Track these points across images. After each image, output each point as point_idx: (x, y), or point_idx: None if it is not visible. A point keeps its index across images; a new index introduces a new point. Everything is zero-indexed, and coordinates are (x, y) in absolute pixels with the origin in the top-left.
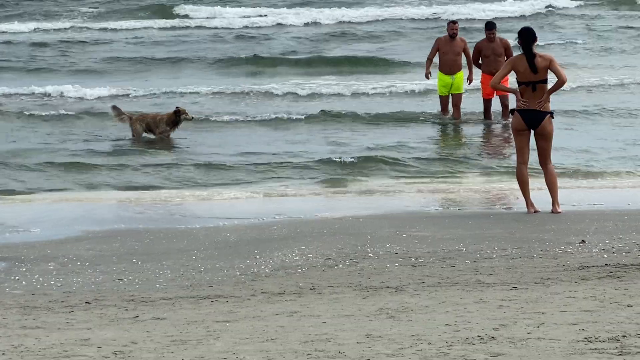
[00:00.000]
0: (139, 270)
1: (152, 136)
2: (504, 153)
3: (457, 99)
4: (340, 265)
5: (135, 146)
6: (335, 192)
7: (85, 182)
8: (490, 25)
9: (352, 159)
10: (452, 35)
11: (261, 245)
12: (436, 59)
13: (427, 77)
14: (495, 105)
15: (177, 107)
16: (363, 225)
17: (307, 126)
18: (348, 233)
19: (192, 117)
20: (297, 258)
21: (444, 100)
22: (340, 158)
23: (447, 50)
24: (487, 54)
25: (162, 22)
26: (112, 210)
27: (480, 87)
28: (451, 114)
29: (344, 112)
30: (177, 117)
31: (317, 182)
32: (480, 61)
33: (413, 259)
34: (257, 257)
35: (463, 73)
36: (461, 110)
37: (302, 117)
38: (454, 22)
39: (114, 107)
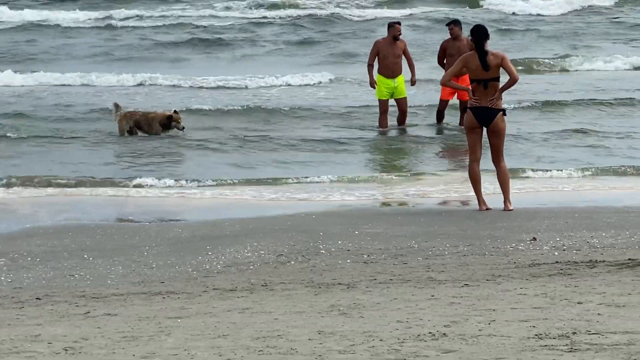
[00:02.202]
0: (91, 266)
1: (142, 134)
2: (456, 152)
3: (402, 103)
4: (293, 262)
5: (87, 140)
6: (288, 189)
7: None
8: (451, 22)
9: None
10: (396, 38)
11: (213, 241)
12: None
13: (373, 86)
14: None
15: (175, 110)
16: (315, 222)
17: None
18: (300, 230)
19: (183, 127)
20: (249, 255)
21: (384, 105)
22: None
23: (387, 53)
24: (452, 53)
25: None
26: (64, 205)
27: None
28: (396, 122)
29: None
30: (169, 121)
31: (271, 178)
32: (445, 61)
33: (365, 256)
34: (209, 253)
35: (403, 76)
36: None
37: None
38: (398, 23)
39: (116, 105)
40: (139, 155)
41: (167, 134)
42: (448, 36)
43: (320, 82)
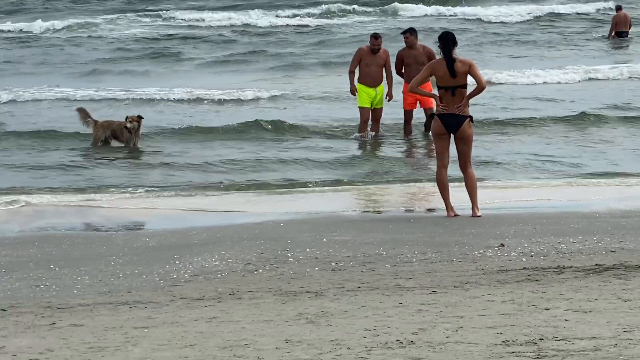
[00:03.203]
0: (57, 277)
1: (119, 143)
2: (425, 160)
3: (378, 113)
4: (261, 270)
5: (56, 148)
6: (256, 197)
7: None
8: (406, 30)
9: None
10: (374, 50)
11: (181, 250)
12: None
13: (354, 93)
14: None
15: (126, 116)
16: (284, 230)
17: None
18: (268, 237)
19: (127, 126)
20: (216, 263)
21: (366, 113)
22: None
23: (369, 62)
24: (409, 62)
25: None
26: (29, 214)
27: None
28: (369, 129)
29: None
30: (129, 123)
31: (241, 186)
32: (402, 70)
33: (333, 264)
34: (177, 262)
35: (383, 87)
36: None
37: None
38: (376, 37)
39: (80, 110)
40: (100, 163)
41: (136, 140)
42: (404, 45)
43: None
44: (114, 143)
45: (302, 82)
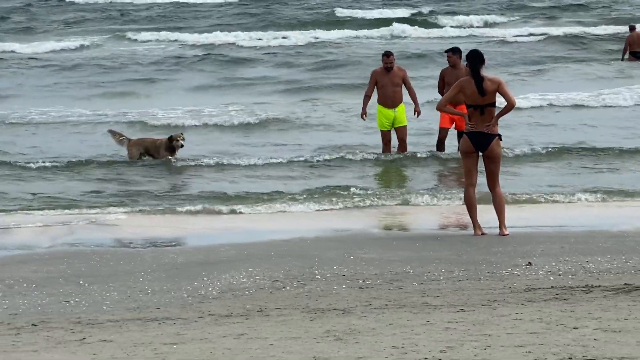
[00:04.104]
0: (86, 292)
1: (150, 160)
2: (454, 178)
3: (402, 132)
4: (288, 287)
5: (86, 163)
6: (284, 215)
7: (37, 199)
8: (449, 50)
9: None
10: (387, 69)
11: (208, 267)
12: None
13: (363, 118)
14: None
15: (170, 135)
16: (311, 247)
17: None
18: (296, 255)
19: (182, 145)
20: (244, 280)
21: (387, 136)
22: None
23: (385, 83)
24: (450, 81)
25: None
26: (58, 231)
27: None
28: (395, 150)
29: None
30: (171, 143)
31: (267, 203)
32: (444, 89)
33: (360, 281)
34: (205, 279)
35: (404, 105)
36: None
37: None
38: (387, 54)
39: (111, 132)
40: (125, 182)
41: (173, 157)
42: (446, 64)
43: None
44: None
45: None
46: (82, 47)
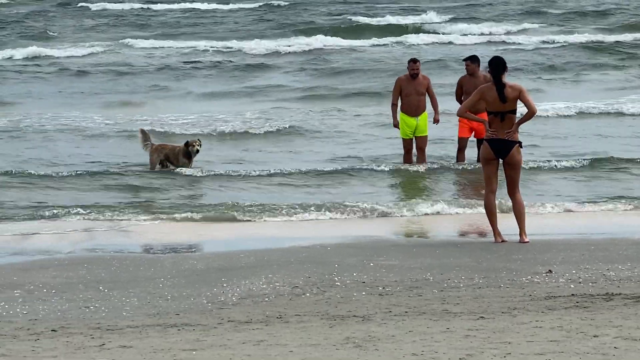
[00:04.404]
0: (106, 298)
1: (174, 168)
2: (474, 186)
3: (422, 141)
4: (308, 294)
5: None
6: (302, 220)
7: (56, 206)
8: (468, 58)
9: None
10: (413, 76)
11: (228, 273)
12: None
13: (396, 126)
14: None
15: (187, 141)
16: (330, 254)
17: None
18: (315, 261)
19: (198, 151)
20: (264, 287)
21: (408, 144)
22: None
23: (410, 91)
24: (469, 90)
25: None
26: (78, 237)
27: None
28: (415, 159)
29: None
30: (187, 149)
31: (286, 210)
32: (462, 98)
33: (380, 288)
34: (224, 285)
35: (427, 114)
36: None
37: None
38: (414, 61)
39: (142, 132)
40: (144, 189)
41: (191, 163)
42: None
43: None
44: (171, 167)
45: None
46: (94, 53)
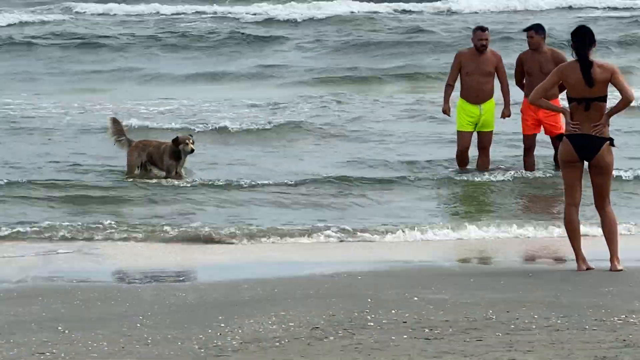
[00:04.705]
0: (67, 342)
1: (158, 171)
2: (550, 198)
3: (486, 139)
4: (332, 337)
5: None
6: (326, 243)
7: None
8: (530, 27)
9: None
10: (480, 48)
11: (227, 309)
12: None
13: (446, 112)
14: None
15: (176, 137)
16: (361, 285)
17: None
18: (342, 294)
19: (192, 150)
20: (274, 327)
21: (465, 140)
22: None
23: (472, 69)
24: (531, 70)
25: None
26: (29, 261)
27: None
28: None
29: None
30: (177, 148)
31: (300, 227)
32: (524, 81)
33: (427, 330)
34: (222, 325)
35: (494, 102)
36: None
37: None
38: (482, 29)
39: (114, 121)
40: (117, 200)
41: (179, 166)
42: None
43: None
44: (154, 170)
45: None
46: (28, 22)
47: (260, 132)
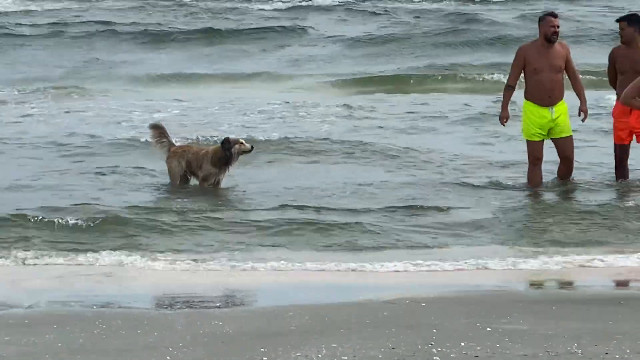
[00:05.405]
0: None
1: (195, 180)
2: None
3: (566, 146)
4: None
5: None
6: (383, 265)
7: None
8: (624, 17)
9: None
10: (552, 38)
11: (271, 340)
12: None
13: (503, 123)
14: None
15: (226, 137)
16: (426, 313)
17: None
18: (403, 324)
19: (252, 147)
20: None
21: (537, 150)
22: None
23: (542, 66)
24: (624, 67)
25: None
26: (43, 283)
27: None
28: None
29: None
30: (225, 152)
31: (352, 246)
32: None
33: None
34: (265, 358)
35: (566, 103)
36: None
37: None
38: (554, 15)
39: (155, 127)
40: (145, 211)
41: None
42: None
43: None
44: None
45: None
46: None
47: (318, 144)
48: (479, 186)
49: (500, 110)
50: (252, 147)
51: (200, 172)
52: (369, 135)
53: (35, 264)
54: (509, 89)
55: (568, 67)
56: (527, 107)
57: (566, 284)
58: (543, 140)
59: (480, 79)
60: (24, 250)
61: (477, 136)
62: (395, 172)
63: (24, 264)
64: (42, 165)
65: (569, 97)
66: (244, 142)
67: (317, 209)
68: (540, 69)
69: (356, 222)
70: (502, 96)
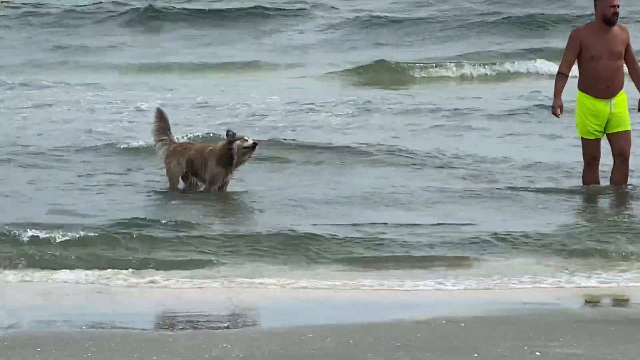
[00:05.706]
0: None
1: (202, 184)
2: None
3: (623, 141)
4: None
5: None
6: (414, 280)
7: None
8: None
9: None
10: (613, 19)
11: None
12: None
13: (557, 114)
14: None
15: (228, 131)
16: (465, 334)
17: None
18: (439, 347)
19: (255, 144)
20: None
21: (593, 149)
22: None
23: (600, 52)
24: None
25: None
26: (25, 300)
27: None
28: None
29: None
30: (229, 149)
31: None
32: None
33: None
34: None
35: (626, 95)
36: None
37: None
38: None
39: (160, 113)
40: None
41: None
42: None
43: None
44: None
45: None
46: None
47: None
48: (519, 192)
49: (553, 99)
50: (256, 143)
51: (205, 172)
52: (387, 135)
53: (18, 280)
54: (562, 76)
55: (627, 53)
56: (582, 99)
57: (625, 302)
58: (599, 137)
59: (513, 71)
60: (3, 268)
61: (514, 134)
62: (420, 177)
63: (5, 280)
64: (24, 173)
65: (628, 88)
66: (248, 138)
67: (333, 218)
68: (598, 56)
69: (380, 232)
70: (554, 86)
